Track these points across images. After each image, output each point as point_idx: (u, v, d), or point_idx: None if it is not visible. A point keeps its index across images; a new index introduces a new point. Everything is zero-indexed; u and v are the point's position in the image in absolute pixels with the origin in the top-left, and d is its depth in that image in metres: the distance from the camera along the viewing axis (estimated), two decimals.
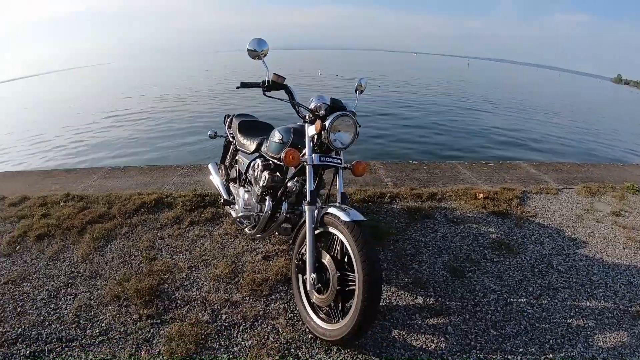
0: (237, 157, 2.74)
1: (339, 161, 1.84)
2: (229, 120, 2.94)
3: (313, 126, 1.77)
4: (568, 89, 41.02)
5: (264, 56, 1.82)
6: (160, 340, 1.75)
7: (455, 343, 1.75)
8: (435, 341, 1.75)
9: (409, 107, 14.06)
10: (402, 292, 2.10)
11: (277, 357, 1.64)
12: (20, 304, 2.03)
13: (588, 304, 2.05)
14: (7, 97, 29.87)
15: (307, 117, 1.85)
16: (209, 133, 3.21)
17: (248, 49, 1.79)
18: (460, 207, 3.18)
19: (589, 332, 1.84)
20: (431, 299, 2.04)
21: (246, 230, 2.38)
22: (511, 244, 2.61)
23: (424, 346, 1.73)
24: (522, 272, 2.30)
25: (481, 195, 3.35)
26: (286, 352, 1.68)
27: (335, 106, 1.80)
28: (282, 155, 1.78)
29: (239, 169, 2.68)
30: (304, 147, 1.85)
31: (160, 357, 1.66)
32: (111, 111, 14.35)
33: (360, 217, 1.58)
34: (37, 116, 15.99)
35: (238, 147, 2.65)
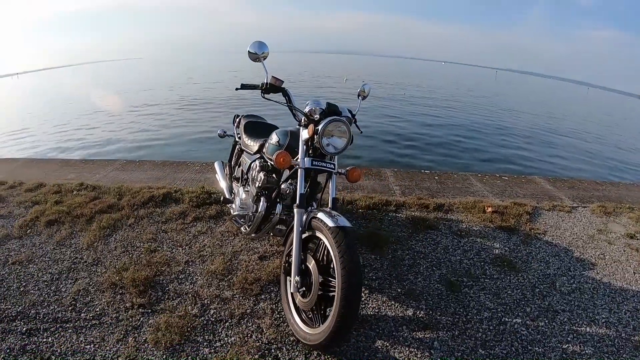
0: (241, 157, 2.78)
1: (332, 166, 1.84)
2: (237, 120, 2.98)
3: (307, 130, 1.79)
4: (601, 106, 39.20)
5: (264, 59, 1.85)
6: (148, 329, 1.80)
7: (439, 359, 1.71)
8: (419, 355, 1.72)
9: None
10: (392, 302, 2.07)
11: (256, 356, 1.66)
12: (24, 284, 2.13)
13: (588, 329, 1.95)
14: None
15: (302, 120, 1.86)
16: (218, 132, 3.24)
17: (249, 52, 1.83)
18: (466, 219, 3.10)
19: None
20: (422, 312, 2.00)
21: (241, 229, 2.41)
22: (514, 261, 2.53)
23: (406, 359, 1.69)
24: (521, 291, 2.22)
25: (489, 209, 3.26)
26: (266, 352, 1.69)
27: (330, 111, 1.81)
28: (274, 157, 1.80)
29: (242, 169, 2.72)
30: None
31: (146, 345, 1.71)
32: None
33: (346, 224, 1.57)
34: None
35: (243, 148, 2.69)
